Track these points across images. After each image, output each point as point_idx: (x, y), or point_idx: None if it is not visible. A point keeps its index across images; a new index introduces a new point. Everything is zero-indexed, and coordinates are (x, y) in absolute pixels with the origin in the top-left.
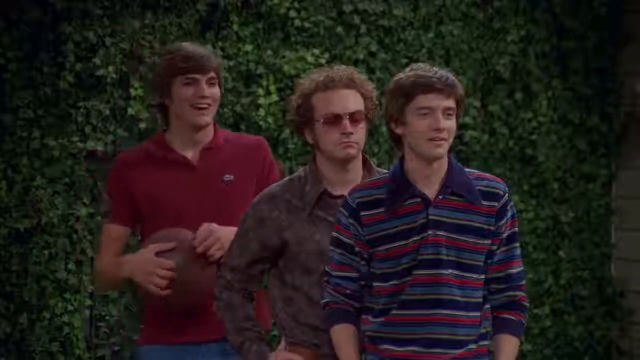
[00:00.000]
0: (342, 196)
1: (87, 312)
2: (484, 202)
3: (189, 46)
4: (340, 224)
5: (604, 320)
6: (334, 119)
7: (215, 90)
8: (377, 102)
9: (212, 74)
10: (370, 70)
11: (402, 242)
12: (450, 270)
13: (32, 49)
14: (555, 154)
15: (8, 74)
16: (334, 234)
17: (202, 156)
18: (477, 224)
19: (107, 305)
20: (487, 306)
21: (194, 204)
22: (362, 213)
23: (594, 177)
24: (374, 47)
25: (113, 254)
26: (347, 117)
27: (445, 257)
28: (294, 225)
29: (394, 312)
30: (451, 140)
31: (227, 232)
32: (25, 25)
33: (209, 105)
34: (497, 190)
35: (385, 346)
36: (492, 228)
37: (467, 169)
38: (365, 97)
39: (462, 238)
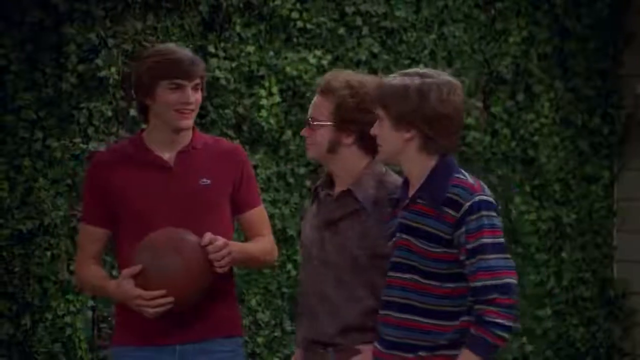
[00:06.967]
0: None
1: (90, 313)
2: (445, 209)
3: (177, 50)
4: None
5: (606, 321)
6: None
7: (199, 96)
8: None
9: (198, 80)
10: (373, 72)
11: (390, 243)
12: (409, 275)
13: (34, 50)
14: (557, 156)
15: (10, 75)
16: None
17: (179, 158)
18: (431, 230)
19: (109, 306)
20: (466, 318)
21: (167, 205)
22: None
23: (596, 179)
24: (376, 49)
25: (92, 258)
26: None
27: (408, 262)
28: None
29: (379, 311)
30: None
31: (239, 248)
32: (27, 26)
33: (192, 110)
34: (460, 200)
35: (375, 344)
36: (448, 237)
37: (460, 175)
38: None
39: (417, 243)
